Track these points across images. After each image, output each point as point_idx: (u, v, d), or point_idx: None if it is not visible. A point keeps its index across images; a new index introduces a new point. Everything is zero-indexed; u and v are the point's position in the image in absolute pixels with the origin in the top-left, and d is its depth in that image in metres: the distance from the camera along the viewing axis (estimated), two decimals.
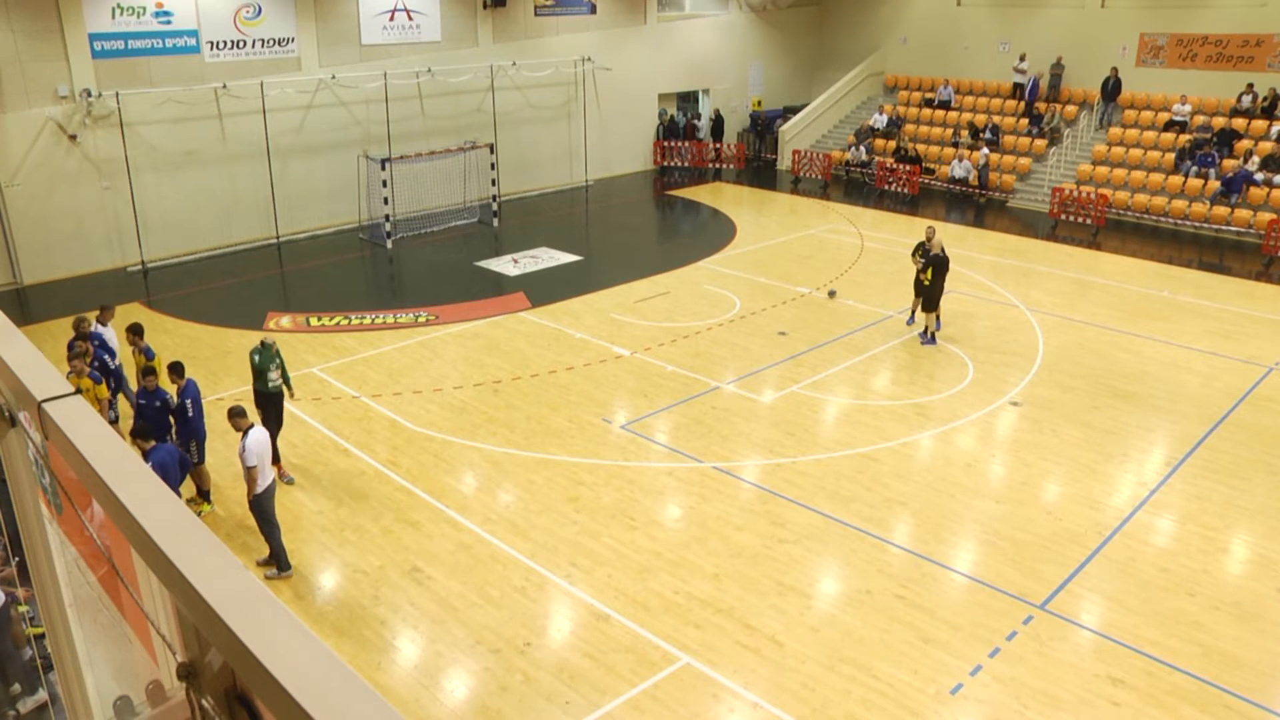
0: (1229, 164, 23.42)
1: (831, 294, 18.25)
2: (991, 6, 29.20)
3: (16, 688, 8.03)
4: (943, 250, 15.73)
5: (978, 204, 26.20)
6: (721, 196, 27.17)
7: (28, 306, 17.86)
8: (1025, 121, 27.83)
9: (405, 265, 21.01)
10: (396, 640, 8.83)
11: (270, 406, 11.55)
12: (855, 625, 8.97)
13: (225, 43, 20.85)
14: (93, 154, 19.50)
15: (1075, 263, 20.78)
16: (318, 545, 10.32)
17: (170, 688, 2.08)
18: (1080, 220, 23.69)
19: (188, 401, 10.84)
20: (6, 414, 2.17)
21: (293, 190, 22.38)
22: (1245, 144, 23.74)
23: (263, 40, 21.38)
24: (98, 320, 12.68)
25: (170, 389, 11.18)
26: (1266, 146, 23.36)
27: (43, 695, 8.03)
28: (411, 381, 14.34)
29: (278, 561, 9.76)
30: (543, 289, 18.64)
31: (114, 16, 19.32)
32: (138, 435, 9.68)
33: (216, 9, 20.58)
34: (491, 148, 23.69)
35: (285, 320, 17.02)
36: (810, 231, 23.19)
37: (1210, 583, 9.63)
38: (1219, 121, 24.68)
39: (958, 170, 26.85)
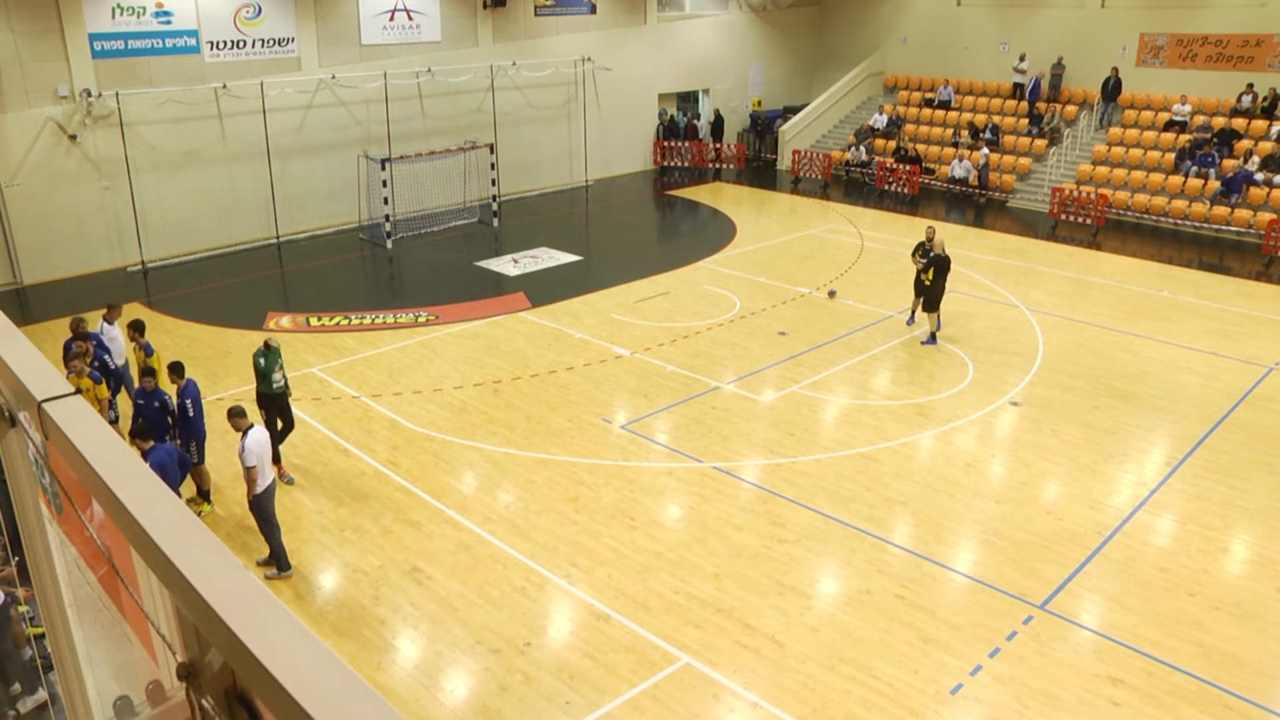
0: (1229, 164, 23.42)
1: (831, 294, 18.25)
2: (991, 6, 29.20)
3: (16, 688, 8.03)
4: (943, 250, 15.73)
5: (978, 204, 26.20)
6: (721, 196, 27.17)
7: (28, 306, 17.86)
8: (1025, 122, 27.83)
9: (405, 265, 21.01)
10: (396, 640, 8.83)
11: (274, 408, 11.54)
12: (855, 625, 8.97)
13: (225, 43, 20.86)
14: (93, 154, 19.50)
15: (1075, 263, 20.78)
16: (318, 545, 10.32)
17: (170, 688, 2.08)
18: (1080, 220, 23.69)
19: (187, 401, 10.84)
20: (6, 414, 2.17)
21: (293, 190, 22.38)
22: (1245, 144, 23.74)
23: (263, 40, 21.38)
24: (104, 319, 12.69)
25: (170, 389, 11.19)
26: (1266, 146, 23.36)
27: (43, 695, 8.03)
28: (411, 381, 14.34)
29: (278, 561, 9.76)
30: (543, 289, 18.64)
31: (114, 16, 19.32)
32: (137, 435, 9.69)
33: (216, 9, 20.59)
34: (491, 148, 23.70)
35: (285, 320, 17.02)
36: (810, 231, 23.20)
37: (1210, 583, 9.63)
38: (1219, 121, 24.69)
39: (958, 170, 26.85)
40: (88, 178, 19.51)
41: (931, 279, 15.44)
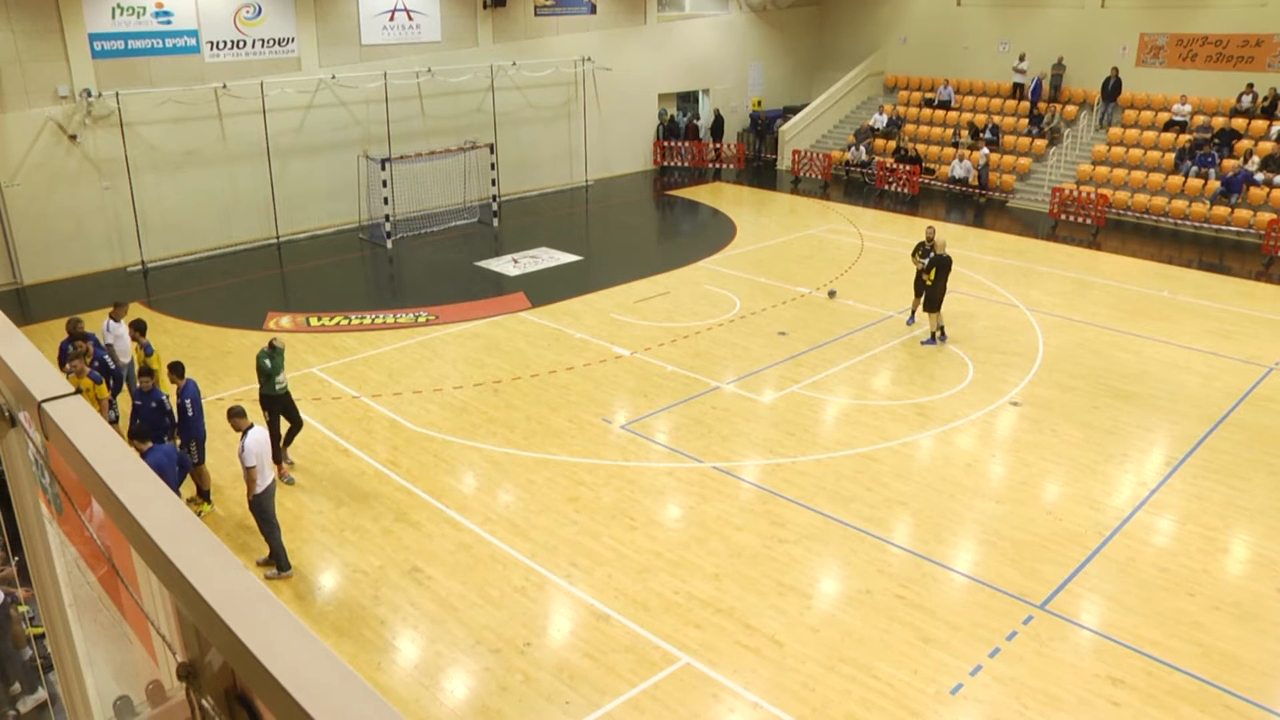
0: (1229, 164, 23.42)
1: (831, 294, 18.25)
2: (991, 6, 29.20)
3: (16, 688, 8.03)
4: (945, 250, 15.72)
5: (978, 204, 26.20)
6: (721, 196, 27.17)
7: (28, 306, 17.86)
8: (1025, 122, 27.83)
9: (405, 265, 21.02)
10: (396, 640, 8.83)
11: (277, 408, 11.52)
12: (855, 625, 8.97)
13: (225, 43, 20.86)
14: (93, 154, 19.50)
15: (1075, 263, 20.78)
16: (318, 545, 10.32)
17: (170, 688, 2.08)
18: (1080, 220, 23.69)
19: (187, 401, 10.83)
20: (6, 414, 2.17)
21: (293, 190, 22.38)
22: (1245, 144, 23.74)
23: (263, 40, 21.38)
24: (111, 316, 12.72)
25: (170, 389, 11.19)
26: (1266, 146, 23.36)
27: (43, 695, 8.03)
28: (411, 381, 14.34)
29: (278, 561, 9.76)
30: (543, 289, 18.64)
31: (114, 16, 19.32)
32: (135, 437, 9.67)
33: (216, 9, 20.59)
34: (491, 148, 23.70)
35: (285, 320, 17.03)
36: (810, 231, 23.20)
37: (1210, 583, 9.63)
38: (1219, 121, 24.69)
39: (958, 170, 26.85)
40: (88, 178, 19.51)
41: (933, 279, 15.44)
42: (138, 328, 12.19)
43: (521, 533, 10.44)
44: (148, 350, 11.99)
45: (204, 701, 1.32)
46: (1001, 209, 25.73)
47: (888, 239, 22.26)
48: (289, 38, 21.78)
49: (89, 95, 19.09)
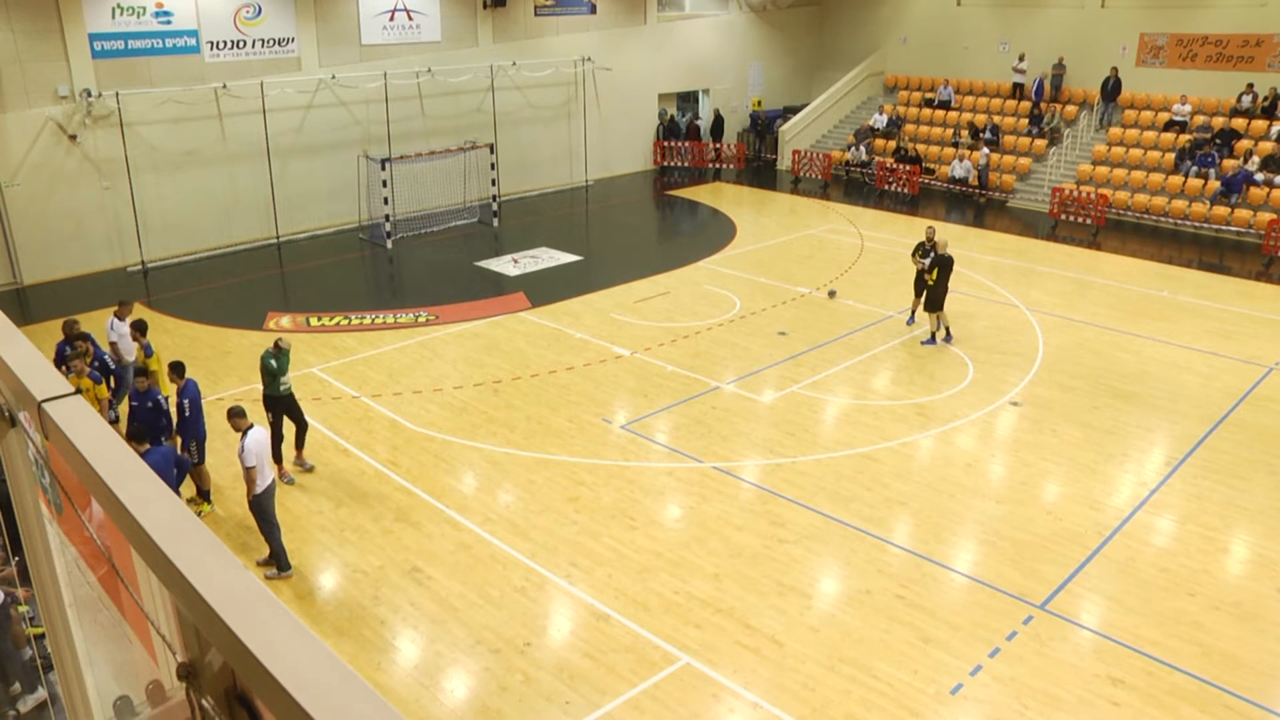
0: (1229, 164, 23.42)
1: (831, 294, 18.25)
2: (991, 6, 29.20)
3: (16, 687, 8.04)
4: (946, 250, 15.71)
5: (978, 204, 26.20)
6: (721, 196, 27.17)
7: (28, 306, 17.86)
8: (1025, 122, 27.83)
9: (405, 265, 21.02)
10: (396, 640, 8.83)
11: (280, 409, 11.50)
12: (855, 625, 8.97)
13: (225, 43, 20.86)
14: (93, 154, 19.50)
15: (1075, 263, 20.78)
16: (318, 545, 10.32)
17: (170, 688, 2.08)
18: (1080, 220, 23.69)
19: (185, 401, 10.82)
20: (6, 414, 2.17)
21: (293, 190, 22.38)
22: (1245, 144, 23.74)
23: (263, 40, 21.38)
24: (115, 315, 12.74)
25: (170, 389, 11.18)
26: (1266, 146, 23.35)
27: (43, 695, 8.04)
28: (411, 381, 14.34)
29: (278, 561, 9.76)
30: (543, 289, 18.64)
31: (114, 16, 19.32)
32: (131, 438, 9.65)
33: (216, 9, 20.59)
34: (491, 148, 23.70)
35: (285, 320, 17.03)
36: (810, 231, 23.20)
37: (1210, 583, 9.63)
38: (1219, 121, 24.68)
39: (958, 170, 26.85)
40: (88, 178, 19.51)
41: (935, 279, 15.43)
42: (138, 328, 12.21)
43: (521, 533, 10.44)
44: (147, 351, 12.00)
45: (204, 701, 1.32)
46: (1001, 209, 25.73)
47: (888, 239, 22.26)
48: (289, 38, 21.78)
49: (89, 95, 19.09)
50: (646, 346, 15.66)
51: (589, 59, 27.45)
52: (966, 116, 28.90)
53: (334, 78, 22.39)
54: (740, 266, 20.20)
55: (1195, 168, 23.76)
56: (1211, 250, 22.05)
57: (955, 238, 21.83)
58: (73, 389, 1.88)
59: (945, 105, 29.69)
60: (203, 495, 11.01)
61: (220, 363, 15.05)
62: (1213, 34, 25.18)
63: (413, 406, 13.50)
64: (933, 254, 15.55)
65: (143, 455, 9.37)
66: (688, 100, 31.97)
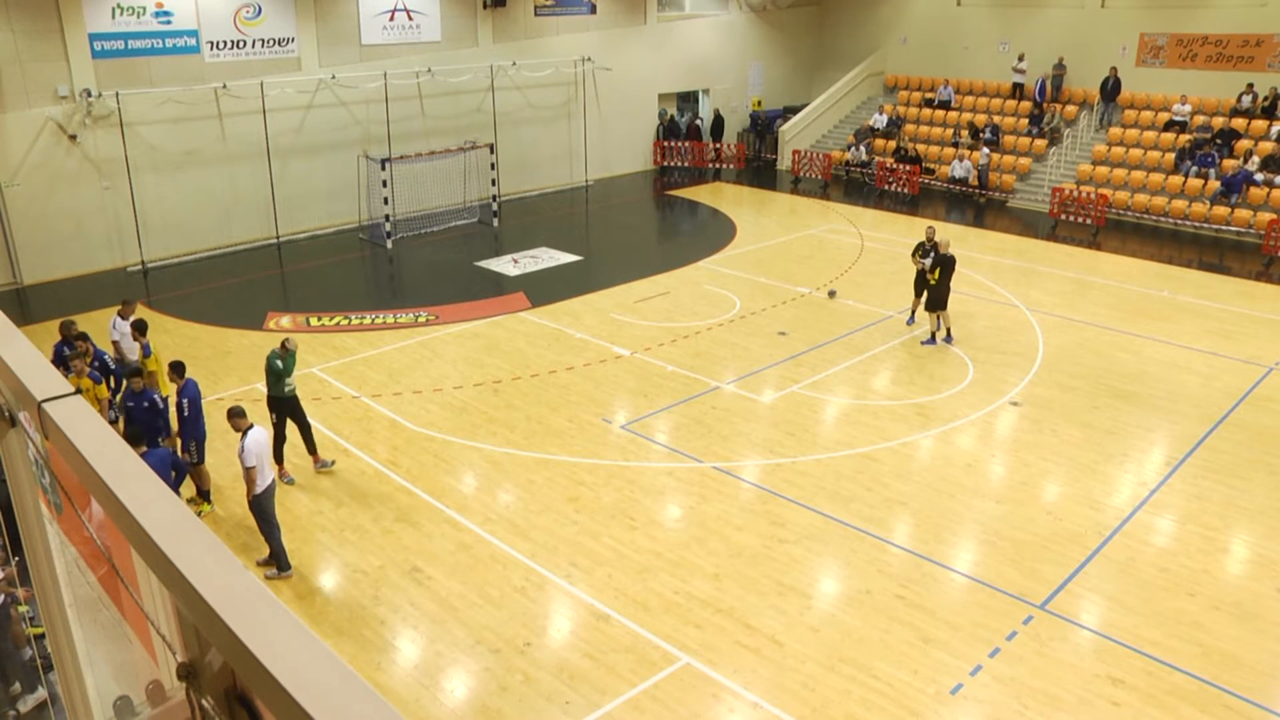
0: (1229, 164, 23.42)
1: (831, 294, 18.25)
2: (991, 6, 29.20)
3: (16, 687, 8.04)
4: (948, 250, 15.70)
5: (978, 204, 26.20)
6: (721, 196, 27.17)
7: (28, 306, 17.86)
8: (1025, 122, 27.83)
9: (405, 265, 21.02)
10: (396, 640, 8.83)
11: (285, 410, 11.48)
12: (855, 625, 8.97)
13: (225, 43, 20.86)
14: (93, 154, 19.50)
15: (1075, 263, 20.78)
16: (318, 545, 10.32)
17: (170, 688, 2.08)
18: (1080, 220, 23.69)
19: (185, 401, 10.82)
20: (6, 414, 2.17)
21: (293, 190, 22.38)
22: (1245, 144, 23.74)
23: (263, 40, 21.38)
24: (119, 314, 12.75)
25: (170, 389, 11.18)
26: (1266, 146, 23.35)
27: (43, 695, 8.04)
28: (411, 381, 14.34)
29: (278, 561, 9.76)
30: (543, 289, 18.64)
31: (114, 16, 19.32)
32: (129, 441, 9.63)
33: (216, 9, 20.59)
34: (491, 148, 23.70)
35: (285, 320, 17.03)
36: (810, 231, 23.20)
37: (1210, 583, 9.63)
38: (1219, 121, 24.68)
39: (958, 170, 26.85)
40: (88, 178, 19.51)
41: (938, 279, 15.43)
42: (138, 328, 12.21)
43: (521, 533, 10.44)
44: (146, 351, 11.99)
45: (204, 701, 1.32)
46: (1001, 209, 25.73)
47: (888, 239, 22.26)
48: (289, 38, 21.78)
49: (89, 95, 19.09)
50: (646, 346, 15.66)
51: (589, 59, 27.45)
52: (966, 116, 28.89)
53: (334, 78, 22.39)
54: (740, 266, 20.20)
55: (1195, 168, 23.76)
56: (1211, 250, 22.05)
57: (955, 238, 21.81)
58: (73, 389, 1.88)
59: (945, 105, 29.69)
60: (203, 495, 11.01)
61: (220, 363, 15.05)
62: (1213, 34, 25.17)
63: (413, 406, 13.50)
64: (934, 254, 15.55)
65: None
66: (688, 100, 31.96)
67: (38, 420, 1.83)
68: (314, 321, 16.96)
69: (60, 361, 11.23)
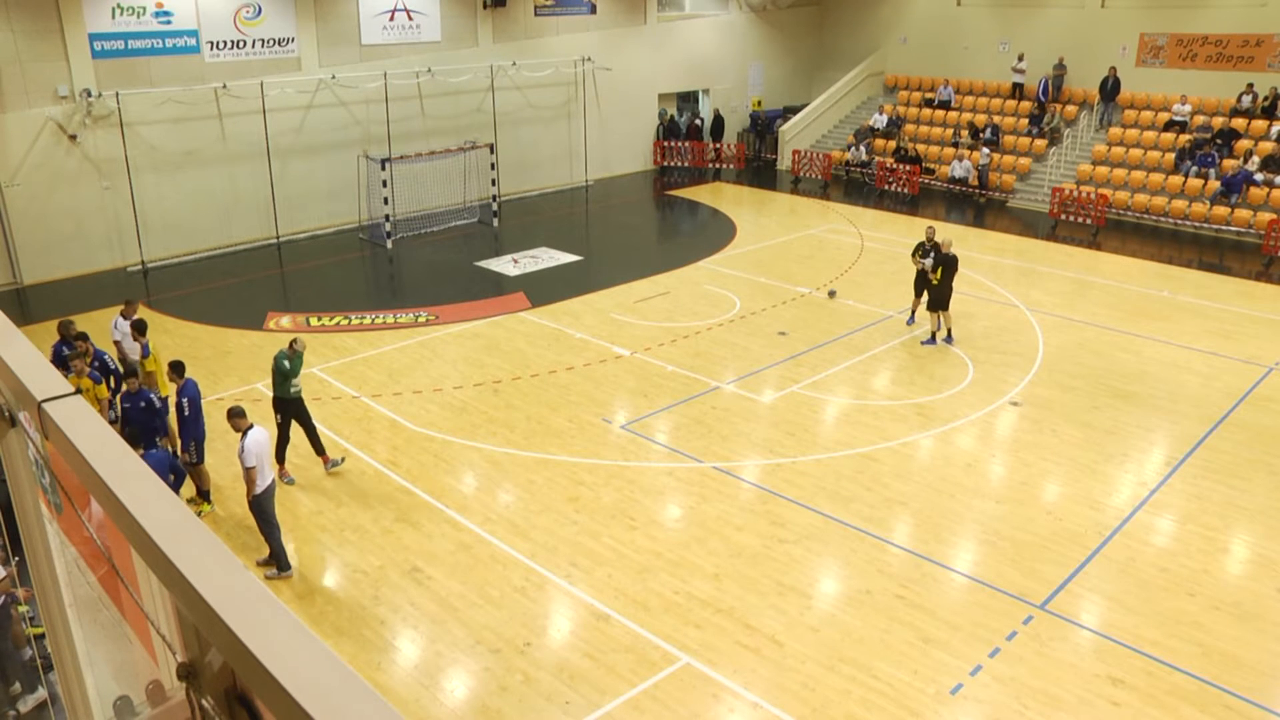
0: (1229, 164, 23.42)
1: (831, 294, 18.25)
2: (991, 6, 29.20)
3: (16, 687, 8.04)
4: (950, 250, 15.69)
5: (978, 204, 26.20)
6: (721, 196, 27.17)
7: (28, 306, 17.86)
8: (1025, 122, 27.83)
9: (405, 265, 21.02)
10: (396, 640, 8.83)
11: (290, 411, 11.46)
12: (855, 625, 8.97)
13: (225, 43, 20.86)
14: (93, 154, 19.50)
15: (1075, 263, 20.78)
16: (318, 545, 10.31)
17: (170, 688, 2.08)
18: (1080, 220, 23.69)
19: (185, 401, 10.81)
20: (6, 414, 2.17)
21: (293, 190, 22.38)
22: (1245, 144, 23.74)
23: (263, 40, 21.38)
24: (121, 314, 12.75)
25: (170, 389, 11.17)
26: (1266, 146, 23.35)
27: (43, 695, 8.04)
28: (411, 381, 14.34)
29: (278, 561, 9.76)
30: (543, 289, 18.64)
31: (114, 16, 19.32)
32: (127, 442, 9.60)
33: (216, 9, 20.59)
34: (491, 148, 23.70)
35: (285, 320, 17.03)
36: (810, 231, 23.19)
37: (1210, 583, 9.63)
38: (1219, 121, 24.68)
39: (958, 170, 26.85)
40: (88, 178, 19.51)
41: (939, 279, 15.42)
42: (138, 328, 12.21)
43: (521, 533, 10.44)
44: (145, 351, 11.98)
45: (204, 701, 1.32)
46: (1001, 209, 25.73)
47: (888, 239, 22.26)
48: (289, 38, 21.78)
49: (89, 95, 19.08)
50: (646, 346, 15.66)
51: (589, 59, 27.45)
52: (966, 116, 28.89)
53: (334, 78, 22.39)
54: (740, 266, 20.20)
55: (1195, 168, 23.76)
56: (1211, 250, 22.05)
57: (955, 238, 21.73)
58: (73, 389, 1.88)
59: (945, 105, 29.69)
60: (203, 495, 11.01)
61: (220, 363, 15.05)
62: (1213, 34, 25.17)
63: (413, 406, 13.50)
64: (935, 254, 15.55)
65: None
66: (688, 100, 31.96)
67: (38, 420, 1.83)
68: (314, 321, 16.96)
69: (59, 361, 11.22)
